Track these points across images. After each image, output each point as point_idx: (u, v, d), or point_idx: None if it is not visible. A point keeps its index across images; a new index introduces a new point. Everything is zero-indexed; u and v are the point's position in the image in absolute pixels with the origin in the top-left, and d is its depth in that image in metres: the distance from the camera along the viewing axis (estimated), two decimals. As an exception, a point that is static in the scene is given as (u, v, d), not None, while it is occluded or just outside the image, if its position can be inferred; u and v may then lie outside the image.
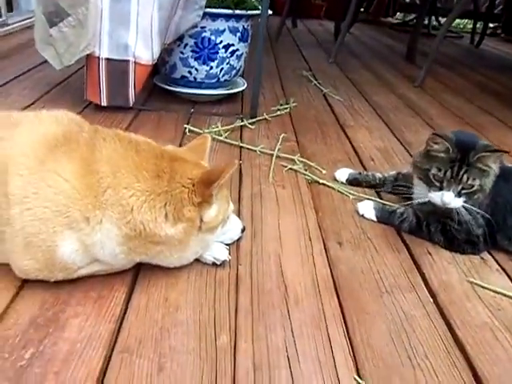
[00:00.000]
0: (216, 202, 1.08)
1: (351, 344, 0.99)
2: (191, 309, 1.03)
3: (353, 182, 1.66)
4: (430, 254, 1.33)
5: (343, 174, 1.69)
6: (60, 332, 0.93)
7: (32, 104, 2.09)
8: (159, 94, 2.40)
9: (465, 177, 1.27)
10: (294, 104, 2.47)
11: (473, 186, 1.28)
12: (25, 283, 1.04)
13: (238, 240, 1.27)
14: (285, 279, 1.15)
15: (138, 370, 0.87)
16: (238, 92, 2.46)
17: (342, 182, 1.67)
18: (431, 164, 1.32)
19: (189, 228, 1.04)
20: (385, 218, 1.45)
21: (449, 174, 1.29)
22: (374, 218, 1.46)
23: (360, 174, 1.68)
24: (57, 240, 0.96)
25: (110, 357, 0.89)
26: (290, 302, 1.08)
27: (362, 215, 1.47)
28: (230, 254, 1.19)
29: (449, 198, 1.29)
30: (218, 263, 1.15)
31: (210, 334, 0.96)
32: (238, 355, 0.93)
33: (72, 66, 2.05)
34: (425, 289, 1.19)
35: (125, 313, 1.00)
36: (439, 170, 1.30)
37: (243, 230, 1.26)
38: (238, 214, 1.42)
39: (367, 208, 1.48)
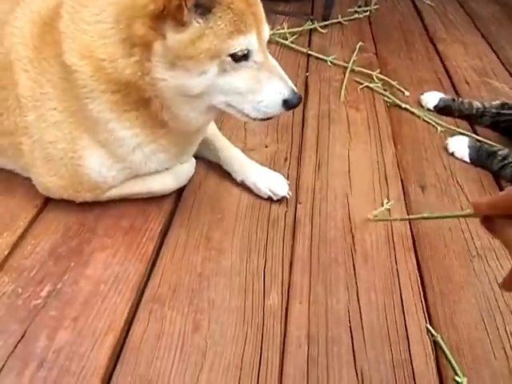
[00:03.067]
0: (197, 24, 0.68)
1: (430, 321, 0.79)
2: (237, 254, 0.85)
3: (443, 109, 1.36)
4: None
5: (432, 98, 1.38)
6: (83, 267, 0.79)
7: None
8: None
9: None
10: (376, 6, 2.07)
11: None
12: (47, 203, 0.89)
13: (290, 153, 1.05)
14: (353, 227, 0.94)
15: (170, 326, 0.72)
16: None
17: (429, 109, 1.37)
18: None
19: (144, 60, 0.71)
20: (481, 159, 1.16)
21: None
22: (467, 159, 1.18)
23: (453, 100, 1.37)
24: (78, 149, 0.80)
25: (138, 306, 0.75)
26: (358, 258, 0.88)
27: (453, 153, 1.20)
28: (289, 190, 0.98)
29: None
30: (275, 198, 0.95)
31: (257, 290, 0.79)
32: (289, 321, 0.76)
33: None
34: (527, 257, 0.95)
35: (159, 251, 0.84)
36: None
37: (291, 104, 0.75)
38: (301, 136, 1.18)
39: (460, 145, 1.20)
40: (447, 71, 1.65)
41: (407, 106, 1.36)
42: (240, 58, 0.71)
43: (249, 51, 0.72)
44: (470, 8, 2.31)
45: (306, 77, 1.47)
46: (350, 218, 0.96)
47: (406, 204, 1.03)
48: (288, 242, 0.89)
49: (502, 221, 0.46)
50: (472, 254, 0.93)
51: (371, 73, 1.50)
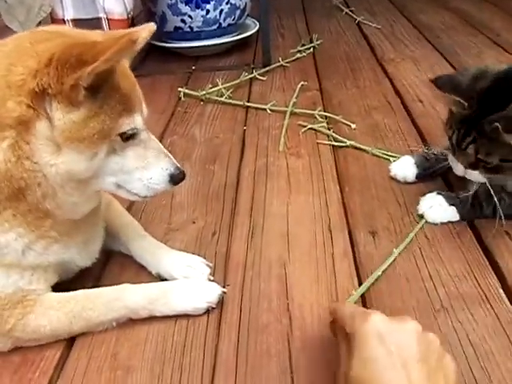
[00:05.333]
0: (89, 103, 0.62)
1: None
2: (147, 370, 0.70)
3: (426, 174, 1.07)
4: (508, 234, 0.91)
5: (406, 168, 1.07)
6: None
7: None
8: (157, 54, 2.01)
9: (470, 148, 0.84)
10: (319, 41, 2.00)
11: (488, 163, 0.84)
12: None
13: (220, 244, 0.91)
14: (290, 304, 0.79)
15: None
16: (248, 37, 2.01)
17: (406, 182, 1.07)
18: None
19: (20, 143, 0.62)
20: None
21: (454, 137, 0.87)
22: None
23: (426, 156, 1.08)
24: None
25: None
26: (295, 344, 0.72)
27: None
28: (210, 273, 0.85)
29: (459, 170, 0.89)
30: (214, 306, 0.79)
31: (169, 416, 0.64)
32: None
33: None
34: (504, 298, 0.78)
35: (54, 386, 0.70)
36: (450, 127, 0.89)
37: (177, 179, 0.74)
38: (235, 200, 1.06)
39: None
40: (397, 92, 1.54)
41: (352, 143, 1.23)
42: (128, 137, 0.68)
43: (137, 130, 0.69)
44: (418, 21, 2.25)
45: (244, 131, 1.37)
46: (287, 293, 0.81)
47: (354, 259, 0.88)
48: (211, 340, 0.74)
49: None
50: (435, 307, 0.77)
51: (312, 112, 1.40)
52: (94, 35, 0.69)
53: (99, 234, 0.83)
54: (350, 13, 2.42)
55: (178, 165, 0.75)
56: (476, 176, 0.87)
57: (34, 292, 0.72)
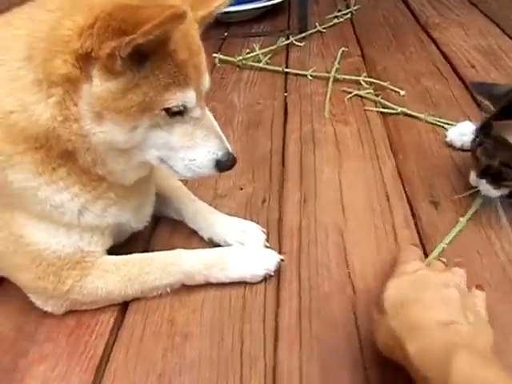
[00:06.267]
0: (130, 73, 0.56)
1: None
2: (206, 338, 0.67)
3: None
4: None
5: (464, 134, 0.99)
6: (15, 391, 0.63)
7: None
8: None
9: (479, 152, 0.80)
10: (357, 7, 1.90)
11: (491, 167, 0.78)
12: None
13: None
14: (351, 273, 0.75)
15: None
16: (281, 3, 1.93)
17: (463, 149, 1.00)
18: None
19: (68, 103, 0.58)
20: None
21: (472, 143, 0.84)
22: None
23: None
24: (16, 230, 0.66)
25: None
26: (363, 317, 0.68)
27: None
28: (266, 240, 0.81)
29: (472, 178, 0.83)
30: (272, 273, 0.75)
31: (232, 381, 0.61)
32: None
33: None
34: None
35: (110, 351, 0.67)
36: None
37: (223, 167, 0.66)
38: (282, 166, 1.01)
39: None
40: (446, 58, 1.45)
41: (404, 109, 1.17)
42: (175, 113, 0.61)
43: (186, 107, 0.61)
44: (463, -16, 2.11)
45: (285, 97, 1.31)
46: (346, 262, 0.77)
47: (416, 227, 0.83)
48: (270, 310, 0.71)
49: None
50: None
51: (357, 78, 1.33)
52: None
53: (151, 197, 0.80)
54: (387, -23, 2.30)
55: (230, 150, 0.66)
56: (486, 188, 0.80)
57: (92, 254, 0.70)
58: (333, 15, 1.85)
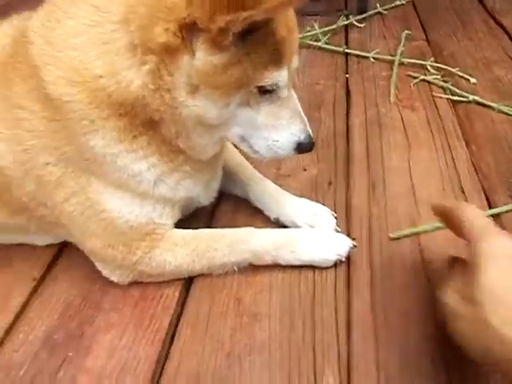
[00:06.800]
0: (235, 48, 0.55)
1: None
2: (276, 320, 0.65)
3: None
4: None
5: None
6: (82, 357, 0.62)
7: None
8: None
9: None
10: (419, -12, 1.82)
11: None
12: (45, 275, 0.75)
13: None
14: (427, 265, 0.71)
15: None
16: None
17: None
18: None
19: (162, 72, 0.56)
20: None
21: None
22: None
23: None
24: (92, 196, 0.65)
25: (150, 409, 0.57)
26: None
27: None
28: (337, 223, 0.77)
29: None
30: (343, 259, 0.72)
31: (306, 369, 0.59)
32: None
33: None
34: None
35: (176, 325, 0.66)
36: None
37: (303, 149, 0.66)
38: (347, 149, 0.98)
39: None
40: (519, 47, 1.37)
41: (476, 98, 1.10)
42: (266, 91, 0.59)
43: (278, 86, 0.60)
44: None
45: (346, 79, 1.26)
46: (421, 253, 0.73)
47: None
48: (342, 296, 0.68)
49: None
50: None
51: (424, 63, 1.27)
52: None
53: (220, 173, 0.78)
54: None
55: (311, 133, 0.66)
56: None
57: (163, 226, 0.68)
58: (393, -4, 1.77)
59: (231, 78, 0.56)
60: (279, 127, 0.63)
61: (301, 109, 0.66)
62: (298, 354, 0.61)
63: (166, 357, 0.62)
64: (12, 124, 0.63)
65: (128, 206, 0.65)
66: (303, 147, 0.65)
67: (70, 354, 0.63)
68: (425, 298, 0.66)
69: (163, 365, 0.61)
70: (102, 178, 0.63)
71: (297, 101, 0.66)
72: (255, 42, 0.55)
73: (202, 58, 0.54)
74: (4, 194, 0.68)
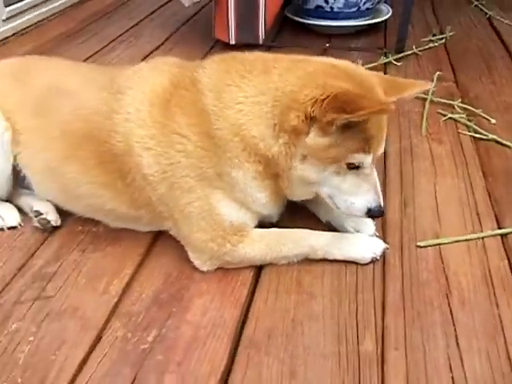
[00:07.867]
0: (336, 135, 0.80)
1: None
2: (328, 298, 0.86)
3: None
4: None
5: None
6: (183, 313, 0.84)
7: (161, 45, 2.02)
8: (290, 28, 2.15)
9: None
10: (452, 33, 2.03)
11: None
12: (149, 252, 0.97)
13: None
14: (446, 268, 0.92)
15: (267, 372, 0.74)
16: (381, 22, 2.08)
17: None
18: None
19: (290, 144, 0.82)
20: None
21: None
22: None
23: None
24: (212, 202, 0.89)
25: (236, 351, 0.78)
26: (454, 301, 0.85)
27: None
28: (376, 230, 0.98)
29: None
30: (378, 258, 0.93)
31: (351, 335, 0.79)
32: (387, 369, 0.75)
33: (201, 1, 1.91)
34: None
35: (252, 296, 0.87)
36: None
37: (373, 215, 0.89)
38: (384, 172, 1.18)
39: None
40: (537, 93, 1.56)
41: (495, 137, 1.30)
42: (354, 167, 0.84)
43: (363, 165, 0.84)
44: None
45: (384, 112, 1.46)
46: (442, 259, 0.94)
47: (503, 243, 0.98)
48: (379, 286, 0.88)
49: None
50: None
51: (452, 102, 1.48)
52: (373, 79, 0.85)
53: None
54: (481, 6, 2.40)
55: (382, 204, 0.88)
56: None
57: (249, 227, 0.91)
58: (428, 39, 1.99)
59: (330, 155, 0.81)
60: (357, 194, 0.86)
61: (378, 184, 0.88)
62: (344, 324, 0.81)
63: (246, 317, 0.83)
64: (166, 145, 0.87)
65: (236, 213, 0.89)
66: (373, 213, 0.88)
67: (174, 309, 0.85)
68: (442, 291, 0.86)
69: (243, 323, 0.82)
70: (226, 193, 0.88)
71: (376, 177, 0.89)
72: (351, 134, 0.80)
73: (313, 138, 0.80)
74: (137, 192, 0.91)
